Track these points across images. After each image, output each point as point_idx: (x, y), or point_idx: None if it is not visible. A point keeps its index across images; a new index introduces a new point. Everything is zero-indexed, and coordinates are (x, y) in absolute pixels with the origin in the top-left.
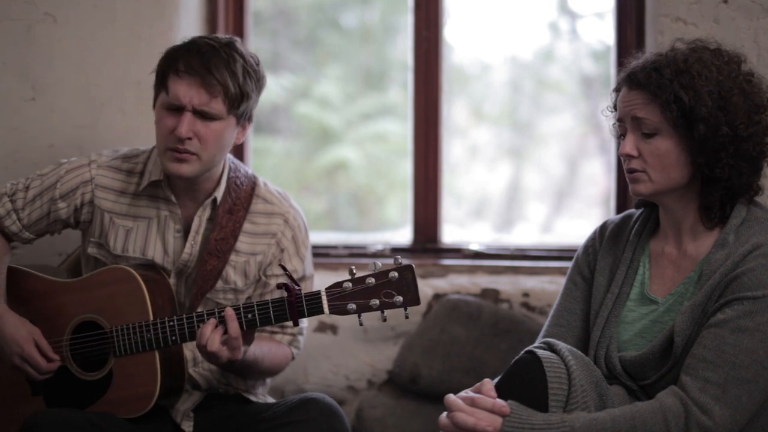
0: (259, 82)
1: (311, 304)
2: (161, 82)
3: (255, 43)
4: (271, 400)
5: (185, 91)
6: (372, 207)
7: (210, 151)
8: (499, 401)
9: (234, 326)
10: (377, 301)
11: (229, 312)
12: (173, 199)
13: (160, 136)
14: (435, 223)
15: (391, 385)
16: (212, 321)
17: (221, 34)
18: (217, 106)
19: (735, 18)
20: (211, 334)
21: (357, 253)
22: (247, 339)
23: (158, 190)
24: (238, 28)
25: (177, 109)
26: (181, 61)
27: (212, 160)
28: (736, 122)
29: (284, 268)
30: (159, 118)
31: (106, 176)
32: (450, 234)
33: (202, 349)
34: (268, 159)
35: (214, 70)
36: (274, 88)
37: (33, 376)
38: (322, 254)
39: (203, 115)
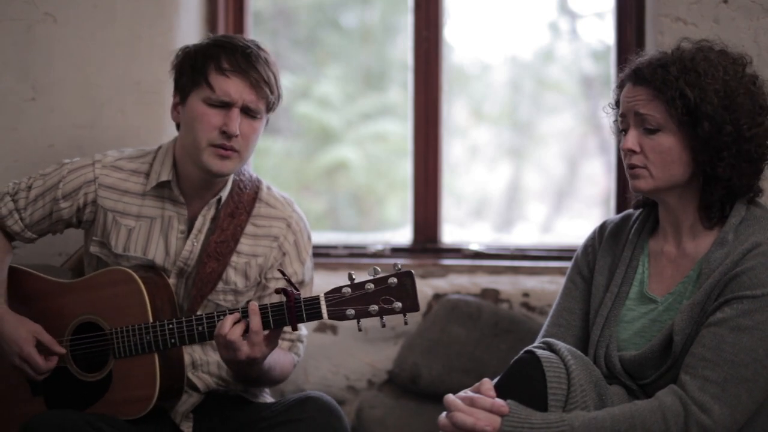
0: None
1: (310, 309)
2: (200, 78)
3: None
4: (270, 399)
5: (236, 88)
6: (372, 207)
7: (249, 149)
8: (498, 401)
9: (256, 321)
10: (376, 307)
11: (253, 306)
12: (181, 199)
13: (202, 132)
14: (435, 223)
15: (391, 385)
16: (235, 315)
17: (242, 36)
18: (261, 105)
19: (735, 18)
20: (232, 327)
21: (357, 253)
22: (271, 343)
23: (165, 190)
24: (238, 28)
25: (223, 106)
26: (224, 59)
27: (248, 157)
28: (741, 122)
29: (283, 273)
30: (201, 114)
31: (110, 176)
32: (450, 234)
33: (221, 339)
34: (268, 159)
35: (261, 70)
36: None
37: (32, 377)
38: (323, 254)
39: (248, 113)
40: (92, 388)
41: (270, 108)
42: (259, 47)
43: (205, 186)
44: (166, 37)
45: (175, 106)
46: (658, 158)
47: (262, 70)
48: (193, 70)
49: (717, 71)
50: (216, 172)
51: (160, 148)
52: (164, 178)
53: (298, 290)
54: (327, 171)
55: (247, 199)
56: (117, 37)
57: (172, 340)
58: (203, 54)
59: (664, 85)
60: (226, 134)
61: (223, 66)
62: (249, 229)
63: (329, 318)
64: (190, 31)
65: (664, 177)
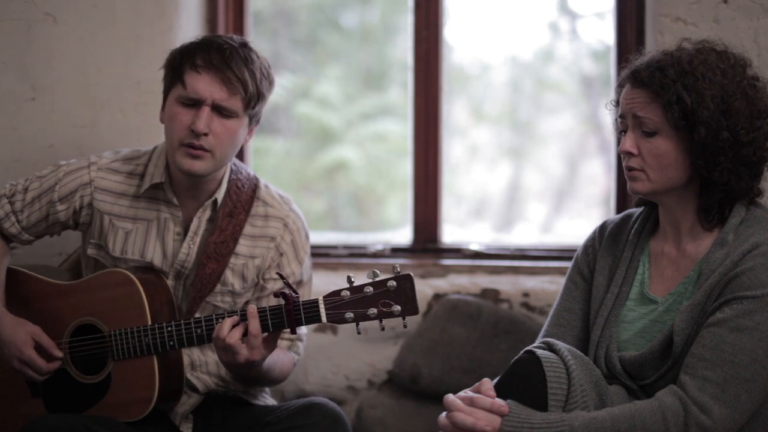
0: (270, 85)
1: (309, 312)
2: (176, 77)
3: (255, 43)
4: (271, 401)
5: (205, 85)
6: (372, 207)
7: (224, 149)
8: (498, 401)
9: (255, 324)
10: (375, 311)
11: (252, 309)
12: (175, 201)
13: (173, 131)
14: (435, 223)
15: (391, 385)
16: (234, 318)
17: (234, 35)
18: (236, 103)
19: (735, 18)
20: (231, 330)
21: (357, 253)
22: (269, 346)
23: (159, 192)
24: (238, 28)
25: (194, 104)
26: (199, 57)
27: (224, 158)
28: (738, 127)
29: (282, 276)
30: (173, 113)
31: (105, 178)
32: (450, 234)
33: (220, 342)
34: (268, 159)
35: (234, 67)
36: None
37: (33, 379)
38: (322, 254)
39: (221, 112)
40: (91, 390)
41: (249, 106)
42: (244, 45)
43: (194, 187)
44: (166, 37)
45: (162, 109)
46: (655, 161)
47: (237, 67)
48: (171, 69)
49: (715, 75)
50: (187, 171)
51: (155, 148)
52: (157, 180)
53: (296, 293)
54: (327, 171)
55: (245, 197)
56: (117, 37)
57: (171, 343)
58: (182, 53)
59: (662, 89)
60: (195, 132)
61: (196, 63)
62: (247, 229)
63: (328, 321)
64: (190, 31)
65: (661, 180)
